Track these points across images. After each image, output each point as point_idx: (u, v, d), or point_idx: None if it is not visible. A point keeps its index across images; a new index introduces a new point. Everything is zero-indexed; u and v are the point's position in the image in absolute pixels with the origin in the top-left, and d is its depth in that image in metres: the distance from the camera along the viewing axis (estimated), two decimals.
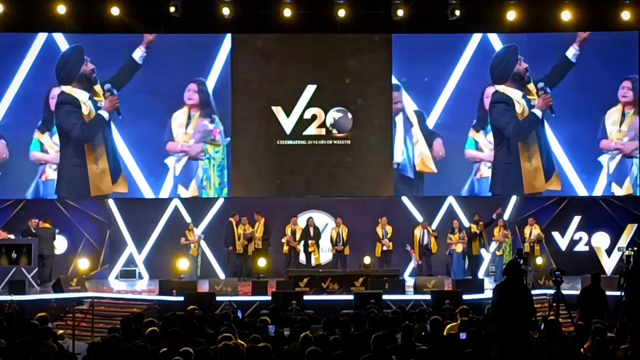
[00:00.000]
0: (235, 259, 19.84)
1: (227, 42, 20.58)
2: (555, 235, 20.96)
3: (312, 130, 20.70)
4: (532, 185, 20.74)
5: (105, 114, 20.40)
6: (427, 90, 20.70)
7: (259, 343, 8.80)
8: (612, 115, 20.70)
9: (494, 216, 19.79)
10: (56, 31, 20.15)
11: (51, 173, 20.31)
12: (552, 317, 10.75)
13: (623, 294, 12.36)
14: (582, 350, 9.09)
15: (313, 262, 19.79)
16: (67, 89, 20.32)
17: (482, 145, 20.80)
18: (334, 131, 20.73)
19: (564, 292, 11.95)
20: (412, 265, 20.19)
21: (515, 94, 20.73)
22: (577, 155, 20.68)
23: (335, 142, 20.77)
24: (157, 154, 20.45)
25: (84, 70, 20.29)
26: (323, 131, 20.71)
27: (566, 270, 12.16)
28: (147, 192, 20.47)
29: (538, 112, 20.70)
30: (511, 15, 19.96)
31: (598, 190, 20.70)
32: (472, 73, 20.61)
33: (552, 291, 12.78)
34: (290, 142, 20.73)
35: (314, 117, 20.70)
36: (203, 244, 20.13)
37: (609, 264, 20.55)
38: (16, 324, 10.95)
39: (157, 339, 9.31)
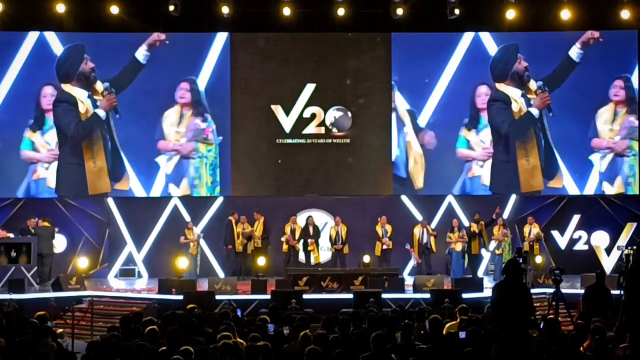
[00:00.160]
0: (234, 258, 19.84)
1: (219, 40, 20.56)
2: (555, 234, 20.97)
3: (311, 129, 20.71)
4: (529, 184, 20.75)
5: (101, 113, 20.39)
6: (419, 89, 20.71)
7: (258, 342, 8.79)
8: (604, 114, 20.73)
9: (494, 216, 19.80)
10: (55, 30, 20.13)
11: (43, 172, 20.29)
12: (551, 316, 10.78)
13: (622, 292, 12.36)
14: (581, 349, 9.09)
15: (312, 261, 19.77)
16: (67, 87, 20.32)
17: (473, 144, 20.81)
18: (334, 130, 20.73)
19: (563, 291, 11.99)
20: (411, 264, 20.19)
21: (514, 92, 20.73)
22: (569, 154, 20.71)
23: (334, 141, 20.77)
24: (149, 153, 20.45)
25: (82, 69, 20.29)
26: (322, 130, 20.72)
27: (565, 269, 12.19)
28: (139, 191, 20.48)
29: (534, 111, 20.71)
30: (510, 14, 19.96)
31: (589, 189, 20.73)
32: (464, 72, 20.62)
33: (551, 290, 12.81)
34: (289, 140, 20.73)
35: (313, 115, 20.70)
36: (202, 242, 20.12)
37: (608, 262, 20.55)
38: (15, 322, 10.95)
39: (156, 338, 9.30)
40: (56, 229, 19.51)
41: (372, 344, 8.66)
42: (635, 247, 13.05)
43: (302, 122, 20.67)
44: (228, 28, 20.45)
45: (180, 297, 15.93)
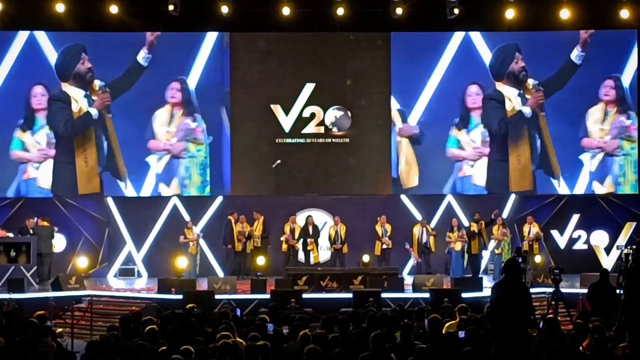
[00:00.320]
0: (234, 258, 19.84)
1: (209, 40, 20.52)
2: (554, 233, 20.98)
3: (310, 128, 20.71)
4: (519, 183, 20.75)
5: (93, 112, 20.37)
6: (410, 88, 20.69)
7: (258, 341, 8.80)
8: (594, 114, 20.74)
9: (493, 216, 19.80)
10: (54, 30, 20.10)
11: (33, 172, 20.26)
12: (551, 316, 10.76)
13: (622, 292, 12.36)
14: (580, 348, 9.10)
15: (312, 261, 19.77)
16: (65, 86, 20.31)
17: (464, 143, 20.81)
18: (334, 129, 20.73)
19: (563, 290, 11.96)
20: (411, 264, 20.20)
21: (509, 91, 20.74)
22: (559, 154, 20.72)
23: (334, 140, 20.77)
24: (139, 152, 20.43)
25: (78, 69, 20.27)
26: (322, 129, 20.72)
27: (565, 268, 12.15)
28: (129, 191, 20.47)
29: (526, 110, 20.73)
30: (510, 13, 19.97)
31: (579, 189, 20.75)
32: (455, 71, 20.62)
33: (551, 289, 12.78)
34: (289, 140, 20.73)
35: (312, 115, 20.70)
36: (202, 242, 20.11)
37: (607, 262, 20.51)
38: (15, 322, 10.95)
39: (156, 338, 9.30)
40: (55, 229, 19.51)
41: (371, 344, 8.66)
42: (634, 247, 13.04)
43: (301, 121, 20.67)
44: (228, 28, 20.45)
45: (180, 296, 15.93)
